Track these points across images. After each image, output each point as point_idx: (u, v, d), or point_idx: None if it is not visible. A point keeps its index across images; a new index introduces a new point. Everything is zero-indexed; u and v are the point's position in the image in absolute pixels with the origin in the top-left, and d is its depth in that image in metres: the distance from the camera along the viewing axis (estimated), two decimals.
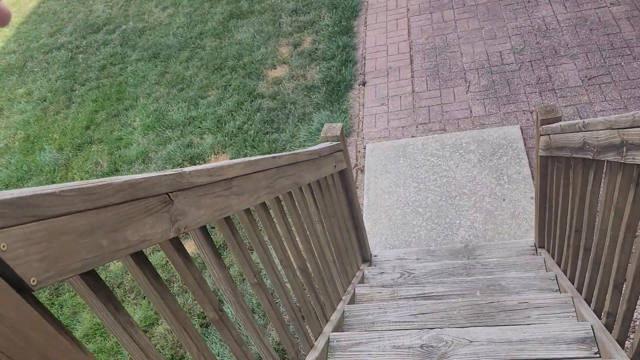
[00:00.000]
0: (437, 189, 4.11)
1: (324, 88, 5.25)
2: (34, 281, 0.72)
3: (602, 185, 2.04)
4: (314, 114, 4.99)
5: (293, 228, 2.14)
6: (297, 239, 2.18)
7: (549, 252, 3.13)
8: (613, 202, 1.79)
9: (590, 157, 1.88)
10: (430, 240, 3.76)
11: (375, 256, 3.62)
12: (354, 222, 3.28)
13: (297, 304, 2.08)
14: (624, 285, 1.90)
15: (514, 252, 3.35)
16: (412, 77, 5.13)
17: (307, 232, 2.30)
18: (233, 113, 5.38)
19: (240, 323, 1.60)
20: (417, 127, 4.67)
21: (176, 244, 1.23)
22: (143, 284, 1.12)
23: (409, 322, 2.49)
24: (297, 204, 2.17)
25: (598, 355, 1.96)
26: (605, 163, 1.84)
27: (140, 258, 1.09)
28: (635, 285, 1.72)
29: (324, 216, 2.57)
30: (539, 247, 3.29)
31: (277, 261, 1.95)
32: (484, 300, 2.49)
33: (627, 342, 1.91)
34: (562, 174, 2.51)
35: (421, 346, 2.17)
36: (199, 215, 1.24)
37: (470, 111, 4.61)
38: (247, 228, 1.68)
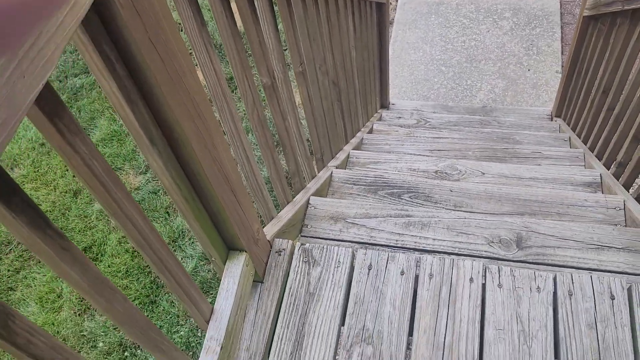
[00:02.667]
0: (464, 50, 4.08)
1: None
2: None
3: None
4: None
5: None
6: (335, 53, 2.21)
7: (564, 120, 3.21)
8: None
9: None
10: (448, 99, 3.81)
11: (393, 104, 3.68)
12: (380, 63, 3.30)
13: (325, 116, 2.16)
14: None
15: (530, 117, 3.42)
16: None
17: (343, 49, 2.32)
18: None
19: (285, 101, 1.67)
20: None
21: None
22: (218, 18, 1.16)
23: (424, 155, 2.61)
24: (340, 15, 2.17)
25: None
26: None
27: None
28: None
29: (357, 44, 2.58)
30: (556, 117, 3.36)
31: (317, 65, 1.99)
32: (499, 145, 2.59)
33: (630, 189, 2.04)
34: (602, 36, 2.50)
35: (436, 172, 2.30)
36: None
37: None
38: (302, 12, 1.69)
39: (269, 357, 1.29)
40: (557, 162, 2.47)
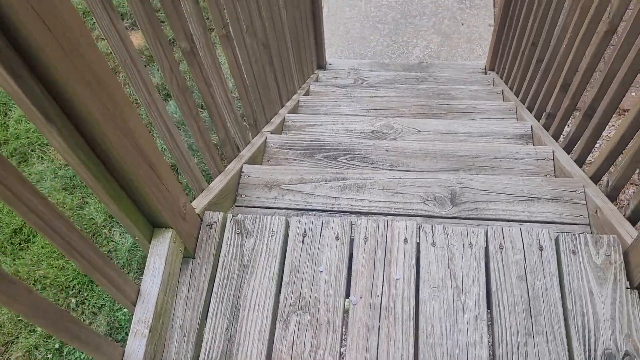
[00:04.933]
0: (398, 6, 4.03)
1: None
2: None
3: None
4: None
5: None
6: (263, 14, 2.12)
7: (497, 73, 3.25)
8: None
9: None
10: (385, 56, 3.78)
11: (330, 64, 3.63)
12: (314, 23, 3.22)
13: (256, 80, 2.09)
14: (571, 85, 2.02)
15: (465, 71, 3.44)
16: None
17: (272, 9, 2.24)
18: None
19: (207, 69, 1.59)
20: None
21: None
22: None
23: (361, 115, 2.58)
24: None
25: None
26: None
27: None
28: (584, 79, 1.83)
29: (287, 4, 2.49)
30: (489, 70, 3.40)
31: (244, 27, 1.90)
32: (434, 101, 2.60)
33: (560, 139, 2.09)
34: None
35: (372, 132, 2.28)
36: None
37: None
38: None
39: (204, 333, 1.25)
40: (490, 116, 2.50)
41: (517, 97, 2.66)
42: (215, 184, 1.58)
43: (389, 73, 3.29)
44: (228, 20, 1.69)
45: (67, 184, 3.57)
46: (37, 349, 2.82)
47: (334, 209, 1.61)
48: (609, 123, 1.81)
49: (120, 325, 2.85)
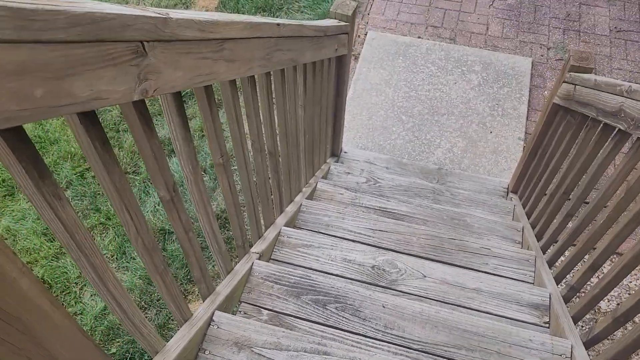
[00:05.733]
0: (427, 101, 3.85)
1: None
2: None
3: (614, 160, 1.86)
4: None
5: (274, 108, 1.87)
6: (275, 121, 1.93)
7: (520, 199, 3.02)
8: (630, 183, 1.62)
9: (622, 128, 1.67)
10: (404, 152, 3.58)
11: (345, 152, 3.43)
12: (335, 114, 3.03)
13: (257, 191, 1.88)
14: (603, 272, 1.79)
15: (485, 188, 3.22)
16: None
17: (287, 115, 2.04)
18: None
19: (194, 204, 1.39)
20: (426, 28, 4.29)
21: (140, 107, 0.96)
22: (87, 150, 0.87)
23: (365, 235, 2.35)
24: (286, 85, 1.89)
25: (547, 325, 1.89)
26: (636, 139, 1.63)
27: (87, 118, 0.83)
28: (620, 274, 1.60)
29: (308, 102, 2.30)
30: (512, 191, 3.18)
31: (249, 142, 1.70)
32: (446, 234, 2.37)
33: (578, 324, 1.85)
34: (570, 130, 2.30)
35: (372, 267, 2.05)
36: (175, 77, 0.97)
37: (487, 28, 4.25)
38: (226, 101, 1.41)
39: None
40: (505, 264, 2.26)
41: (538, 242, 2.43)
42: (175, 343, 1.35)
43: (404, 179, 3.07)
44: (227, 150, 1.49)
45: (48, 230, 3.36)
46: None
47: None
48: None
49: None
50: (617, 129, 1.74)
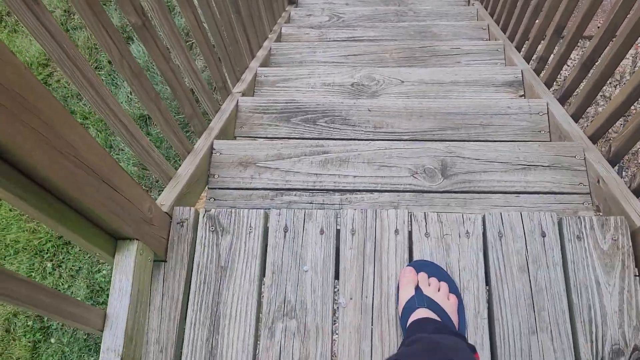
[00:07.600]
0: None
1: None
2: None
3: None
4: None
5: None
6: None
7: (482, 3, 3.03)
8: None
9: None
10: None
11: None
12: None
13: (225, 32, 1.88)
14: (565, 29, 1.86)
15: (446, 1, 3.22)
16: None
17: None
18: None
19: (166, 38, 1.40)
20: None
21: None
22: None
23: (339, 62, 2.39)
24: None
25: (524, 96, 2.00)
26: None
27: None
28: (580, 27, 1.67)
29: None
30: None
31: None
32: (416, 44, 2.41)
33: (554, 85, 1.95)
34: None
35: (352, 84, 2.11)
36: None
37: None
38: None
39: (182, 346, 1.15)
40: (477, 58, 2.33)
41: (505, 34, 2.49)
42: (183, 170, 1.43)
43: (366, 8, 3.05)
44: None
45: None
46: (16, 316, 2.75)
47: (315, 187, 1.48)
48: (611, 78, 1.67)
49: (101, 287, 2.75)
50: None
